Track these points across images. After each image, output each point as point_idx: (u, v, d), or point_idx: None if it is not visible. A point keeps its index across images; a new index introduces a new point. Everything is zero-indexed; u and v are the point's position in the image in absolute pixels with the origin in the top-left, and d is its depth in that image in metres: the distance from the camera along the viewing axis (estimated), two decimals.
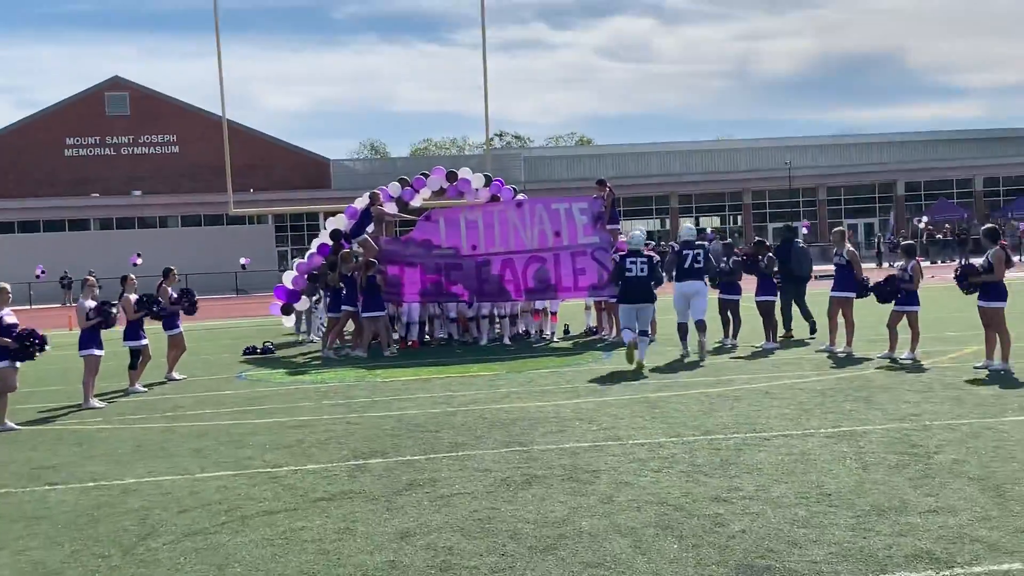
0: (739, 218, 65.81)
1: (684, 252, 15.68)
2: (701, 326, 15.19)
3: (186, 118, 64.51)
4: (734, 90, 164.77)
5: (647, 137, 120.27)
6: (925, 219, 55.18)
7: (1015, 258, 33.11)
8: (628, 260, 14.58)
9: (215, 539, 6.50)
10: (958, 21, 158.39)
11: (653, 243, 24.85)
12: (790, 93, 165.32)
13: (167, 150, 64.78)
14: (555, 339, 18.74)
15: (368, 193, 19.48)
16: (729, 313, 16.77)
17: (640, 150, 70.39)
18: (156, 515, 7.21)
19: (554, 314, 19.34)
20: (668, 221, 65.30)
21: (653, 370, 13.75)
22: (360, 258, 17.97)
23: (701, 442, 8.71)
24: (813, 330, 16.88)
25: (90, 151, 63.93)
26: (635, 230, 15.69)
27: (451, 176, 20.73)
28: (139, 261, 41.23)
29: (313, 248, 20.22)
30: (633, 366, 13.91)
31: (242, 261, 49.09)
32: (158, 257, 19.51)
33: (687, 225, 17.65)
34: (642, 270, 14.44)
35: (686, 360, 14.70)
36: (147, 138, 64.70)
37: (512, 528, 6.36)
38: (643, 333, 14.40)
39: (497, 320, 18.67)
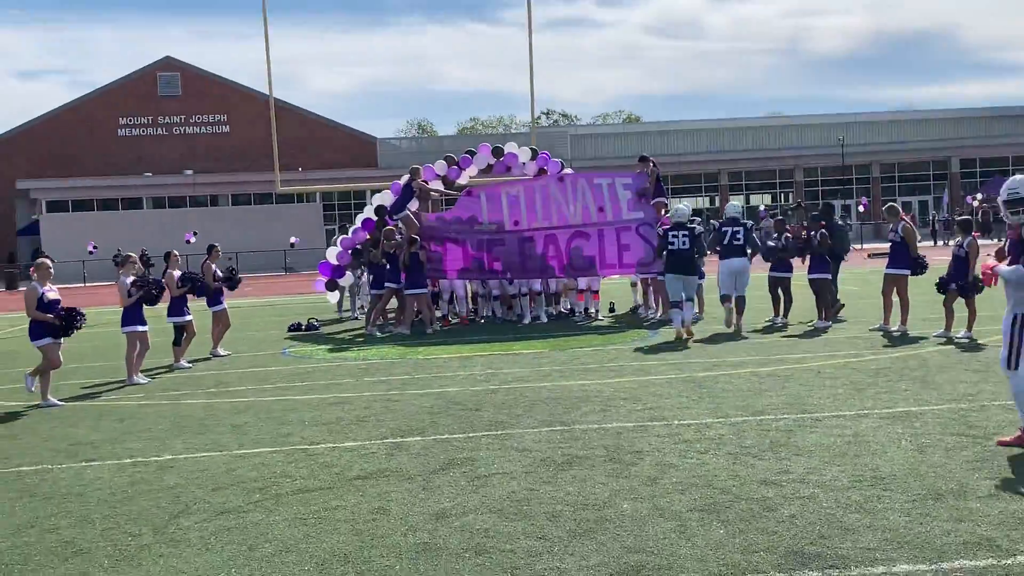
0: (791, 195, 64.85)
1: (724, 229, 15.82)
2: (741, 303, 15.44)
3: (236, 98, 64.83)
4: (784, 68, 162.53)
5: (696, 116, 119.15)
6: (980, 196, 53.97)
7: None
8: (671, 233, 15.12)
9: (248, 518, 6.36)
10: None
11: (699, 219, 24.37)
12: (841, 71, 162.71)
13: (218, 129, 65.16)
14: (599, 317, 18.46)
15: (410, 168, 19.27)
16: (780, 291, 16.38)
17: (688, 127, 69.56)
18: (190, 493, 7.09)
19: (596, 292, 19.03)
20: (718, 199, 64.52)
21: (700, 349, 13.46)
22: (403, 235, 17.80)
23: (750, 423, 8.43)
24: (837, 310, 16.46)
25: (143, 131, 64.48)
26: (679, 204, 15.76)
27: (497, 152, 20.48)
28: (193, 239, 41.53)
29: (357, 223, 20.09)
30: (681, 340, 14.33)
31: (292, 240, 49.32)
32: (209, 235, 19.57)
33: (732, 203, 17.45)
34: (684, 243, 14.95)
35: (734, 337, 14.41)
36: (198, 118, 65.11)
37: (551, 510, 6.14)
38: (688, 300, 14.95)
39: (536, 298, 18.39)
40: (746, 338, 14.42)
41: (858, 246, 46.96)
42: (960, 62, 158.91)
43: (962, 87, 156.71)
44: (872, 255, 38.74)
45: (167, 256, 14.50)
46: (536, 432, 8.47)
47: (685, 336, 14.51)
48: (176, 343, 14.35)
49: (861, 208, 56.72)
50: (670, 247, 15.07)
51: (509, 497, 6.48)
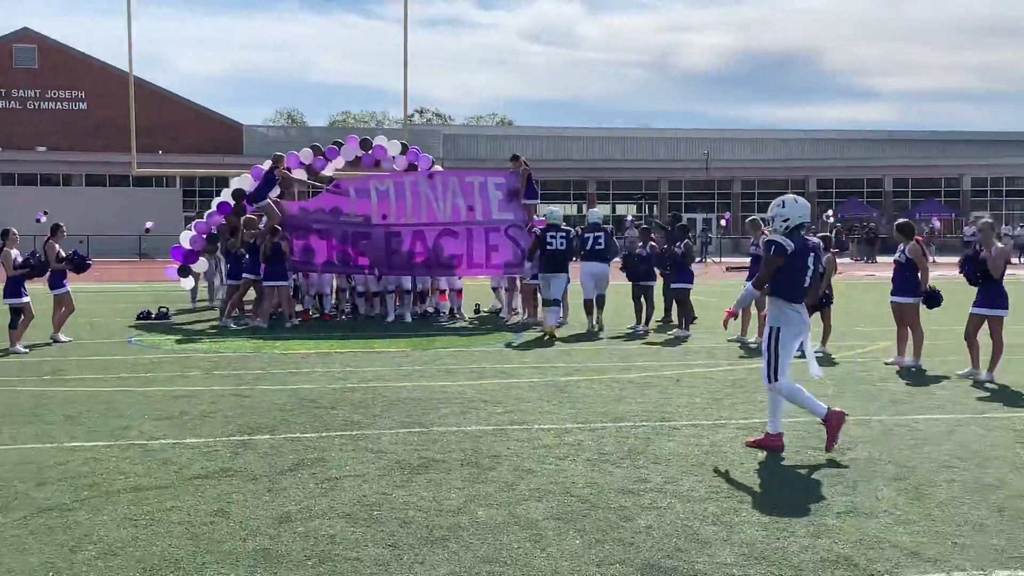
0: (655, 207, 65.94)
1: (586, 235, 16.59)
2: (601, 300, 16.53)
3: (96, 74, 62.15)
4: (655, 81, 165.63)
5: (567, 122, 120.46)
6: (830, 212, 55.97)
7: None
8: (548, 234, 15.92)
9: (73, 516, 5.88)
10: (873, 25, 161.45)
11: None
12: (709, 87, 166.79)
13: (75, 106, 62.37)
14: (463, 317, 18.23)
15: (272, 155, 18.64)
16: (643, 299, 16.51)
17: (560, 133, 70.05)
18: (12, 487, 6.55)
19: (459, 292, 18.82)
20: (585, 206, 65.10)
21: (563, 354, 13.36)
22: (264, 224, 17.22)
23: (609, 430, 8.31)
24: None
25: None
26: (554, 208, 16.38)
27: (365, 144, 20.03)
28: (44, 219, 39.53)
29: (213, 207, 19.35)
30: (547, 337, 14.96)
31: (147, 225, 47.47)
32: (60, 216, 18.56)
33: (594, 210, 18.05)
34: (561, 244, 15.86)
35: (596, 343, 14.39)
36: (54, 93, 62.21)
37: (403, 516, 5.86)
38: (555, 302, 15.78)
39: (404, 296, 18.06)
40: (600, 338, 14.77)
41: (718, 259, 48.06)
42: (821, 85, 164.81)
43: (822, 110, 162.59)
44: (730, 268, 39.62)
45: (5, 234, 13.60)
46: (392, 433, 8.16)
47: (553, 335, 15.05)
48: (12, 326, 13.50)
49: (723, 223, 57.97)
50: (547, 247, 15.80)
51: (359, 501, 6.17)
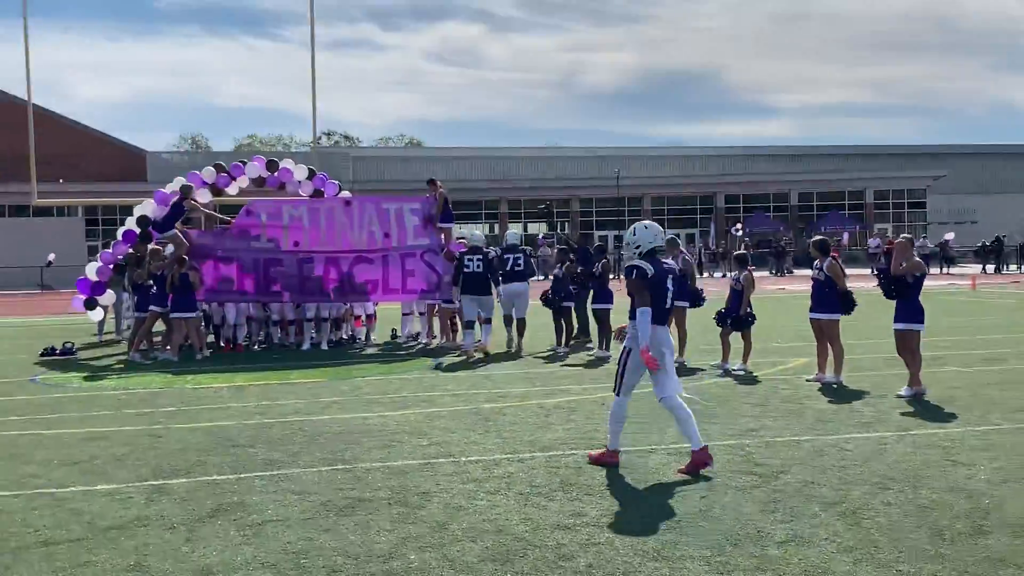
0: (566, 225, 66.27)
1: (506, 256, 16.53)
2: (521, 324, 16.48)
3: None
4: (561, 100, 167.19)
5: (475, 142, 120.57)
6: (739, 226, 56.90)
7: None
8: (467, 257, 16.15)
9: None
10: (771, 43, 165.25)
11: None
12: (614, 106, 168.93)
13: None
14: (374, 343, 17.94)
15: (180, 186, 18.13)
16: (562, 320, 16.46)
17: (469, 154, 70.13)
18: None
19: (371, 317, 18.56)
20: (497, 226, 65.14)
21: (484, 379, 13.17)
22: (170, 254, 16.72)
23: (539, 459, 8.14)
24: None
25: None
26: (475, 230, 16.54)
27: (271, 165, 19.65)
28: None
29: (119, 236, 18.75)
30: (478, 355, 15.43)
31: (48, 257, 46.10)
32: None
33: (512, 230, 18.11)
34: (478, 266, 16.07)
35: (518, 366, 14.24)
36: None
37: (330, 563, 5.60)
38: (487, 321, 16.24)
39: (321, 324, 17.69)
40: (520, 357, 14.99)
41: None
42: (723, 103, 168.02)
43: (724, 127, 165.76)
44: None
45: None
46: (315, 472, 7.87)
47: (478, 354, 15.50)
48: None
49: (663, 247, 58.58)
50: (465, 270, 16.04)
51: (284, 549, 5.89)
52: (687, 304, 14.53)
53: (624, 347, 7.91)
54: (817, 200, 68.00)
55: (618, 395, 7.92)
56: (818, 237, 13.11)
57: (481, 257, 16.09)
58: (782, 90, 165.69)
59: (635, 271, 7.74)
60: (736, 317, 13.38)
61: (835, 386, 11.84)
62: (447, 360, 15.28)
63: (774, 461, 7.87)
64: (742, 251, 14.65)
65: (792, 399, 10.94)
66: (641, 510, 6.54)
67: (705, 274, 51.14)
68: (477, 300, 16.03)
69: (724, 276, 47.09)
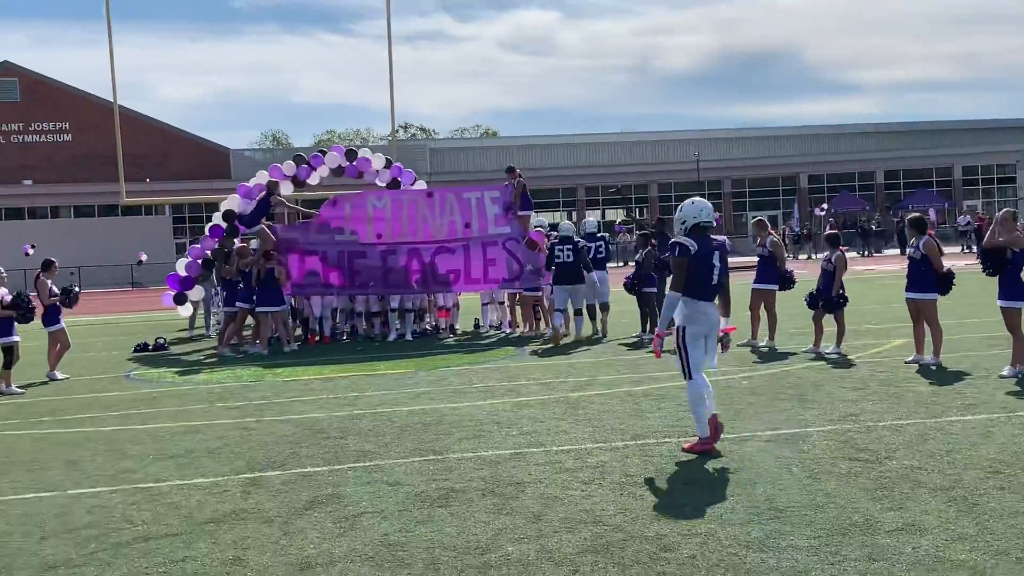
0: (645, 211, 65.72)
1: (587, 245, 16.70)
2: (605, 308, 16.70)
3: (79, 105, 61.76)
4: (636, 85, 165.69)
5: (550, 130, 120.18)
6: (824, 206, 55.83)
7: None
8: (557, 247, 16.15)
9: (80, 573, 5.56)
10: (851, 20, 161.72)
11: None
12: (691, 88, 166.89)
13: (59, 138, 61.99)
14: (456, 334, 17.91)
15: (267, 182, 18.32)
16: (647, 307, 16.22)
17: (546, 142, 69.83)
18: (15, 543, 6.21)
19: (447, 309, 18.51)
20: (575, 214, 64.87)
21: (569, 367, 13.05)
22: (256, 250, 16.89)
23: (632, 448, 7.99)
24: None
25: None
26: (564, 220, 16.73)
27: (350, 154, 19.79)
28: (32, 251, 39.08)
29: (206, 232, 19.04)
30: (559, 343, 15.49)
31: (140, 257, 47.02)
32: (49, 250, 18.26)
33: (589, 219, 18.03)
34: (569, 256, 16.00)
35: (597, 346, 14.15)
36: (38, 125, 61.80)
37: (429, 556, 5.54)
38: (578, 312, 16.38)
39: (405, 314, 17.71)
40: (601, 342, 15.30)
41: None
42: (803, 82, 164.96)
43: (805, 106, 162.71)
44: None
45: None
46: (407, 463, 7.84)
47: (566, 340, 15.82)
48: (6, 366, 13.14)
49: (714, 223, 57.84)
50: (557, 260, 16.06)
51: (382, 541, 5.85)
52: (776, 287, 14.25)
53: (677, 327, 7.85)
54: (904, 178, 66.48)
55: (689, 378, 7.80)
56: (914, 214, 12.69)
57: (572, 246, 16.03)
58: (863, 67, 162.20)
59: (677, 247, 7.72)
60: (829, 299, 13.04)
61: (934, 368, 11.46)
62: (530, 348, 15.20)
63: (877, 446, 7.61)
64: (833, 231, 14.25)
65: (891, 382, 10.61)
66: (741, 499, 6.36)
67: (790, 255, 50.38)
68: (569, 289, 16.00)
69: (808, 258, 46.27)
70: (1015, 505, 5.95)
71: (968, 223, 48.26)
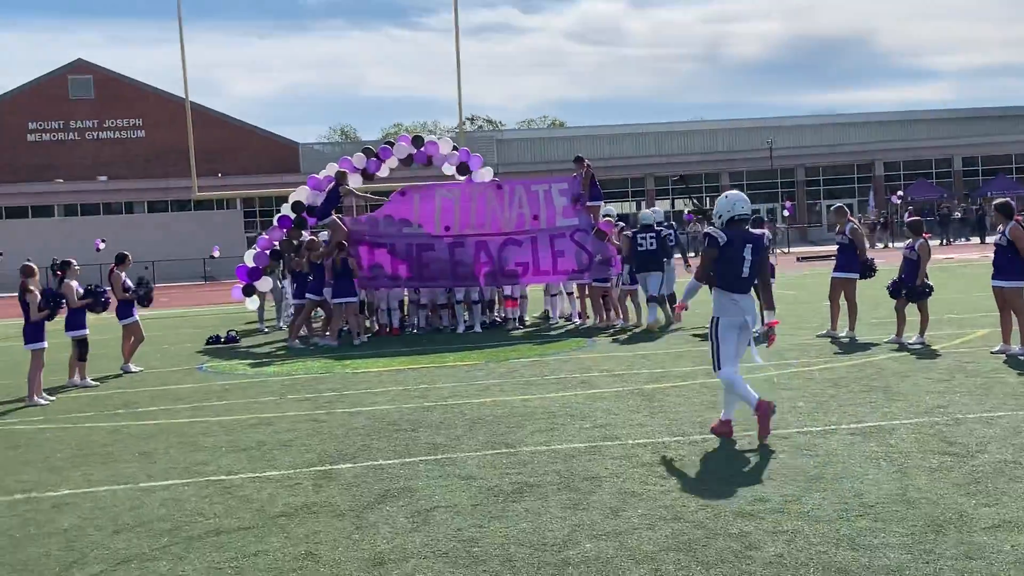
0: (709, 200, 64.96)
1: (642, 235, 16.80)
2: (672, 299, 16.67)
3: (151, 102, 62.73)
4: (704, 73, 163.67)
5: (619, 120, 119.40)
6: (900, 193, 54.65)
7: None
8: (639, 236, 16.47)
9: (153, 567, 5.49)
10: (924, 3, 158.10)
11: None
12: (760, 77, 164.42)
13: (133, 134, 63.00)
14: (525, 325, 17.74)
15: (336, 172, 18.29)
16: None
17: (614, 132, 69.28)
18: (88, 536, 6.18)
19: (522, 298, 18.33)
20: (644, 204, 64.33)
21: (642, 359, 12.81)
22: (327, 241, 16.89)
23: (710, 442, 7.76)
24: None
25: (53, 136, 62.03)
26: (647, 209, 16.91)
27: (417, 140, 19.71)
28: (102, 246, 39.77)
29: (275, 222, 19.09)
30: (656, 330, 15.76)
31: (214, 252, 47.65)
32: (124, 244, 18.54)
33: (644, 211, 17.96)
34: (651, 244, 16.32)
35: (674, 340, 13.88)
36: (112, 122, 62.82)
37: (505, 552, 5.38)
38: (652, 299, 16.20)
39: (472, 306, 17.59)
40: (670, 331, 15.33)
41: (786, 249, 47.01)
42: (875, 68, 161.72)
43: (877, 93, 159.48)
44: (801, 258, 38.74)
45: (64, 265, 13.23)
46: (479, 456, 7.69)
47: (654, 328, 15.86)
48: (81, 358, 13.27)
49: (786, 212, 56.85)
50: (639, 248, 16.36)
51: (456, 536, 5.70)
52: (857, 275, 13.85)
53: (711, 318, 8.03)
54: (982, 164, 64.79)
55: (718, 368, 7.91)
56: (1000, 200, 12.22)
57: (654, 235, 16.35)
58: (937, 52, 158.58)
59: (707, 238, 7.94)
60: (912, 287, 12.62)
61: (1022, 358, 11.02)
62: (600, 339, 14.99)
63: (968, 440, 7.28)
64: (915, 218, 13.79)
65: (978, 373, 10.21)
66: (828, 495, 6.09)
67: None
68: (651, 276, 16.23)
69: (885, 247, 45.33)
70: None
71: None
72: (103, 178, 60.61)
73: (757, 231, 8.13)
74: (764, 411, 7.62)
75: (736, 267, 7.74)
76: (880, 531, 5.34)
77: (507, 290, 18.15)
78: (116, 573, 5.45)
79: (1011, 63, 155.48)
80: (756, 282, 7.98)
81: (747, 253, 7.73)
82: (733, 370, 7.84)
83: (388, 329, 17.56)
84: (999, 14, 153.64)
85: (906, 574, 4.70)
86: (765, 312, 8.04)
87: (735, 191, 8.13)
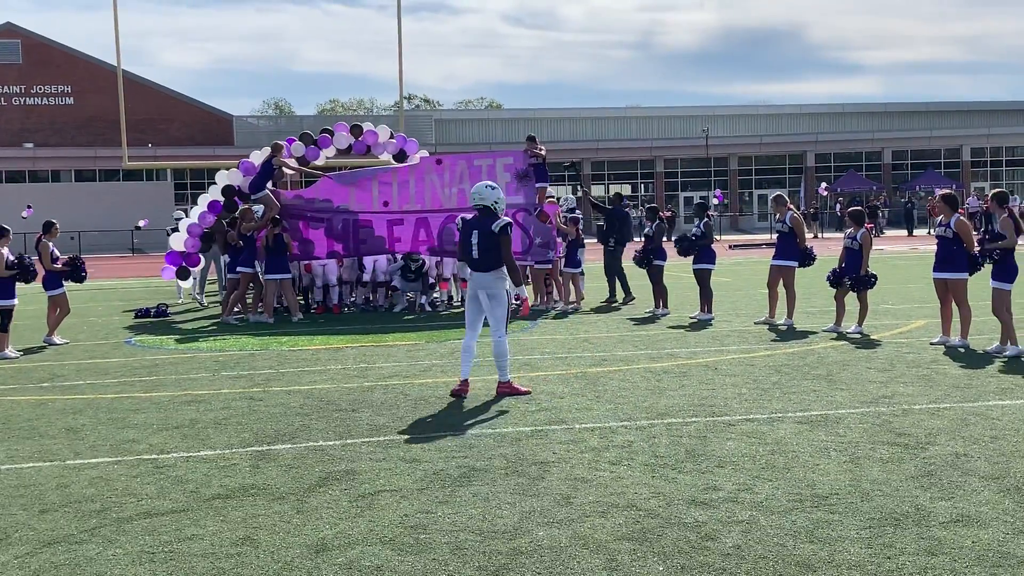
0: (651, 186, 65.18)
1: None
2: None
3: (81, 68, 61.04)
4: (639, 61, 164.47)
5: (552, 104, 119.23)
6: (824, 185, 55.41)
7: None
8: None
9: (81, 551, 5.20)
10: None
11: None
12: (694, 66, 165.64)
13: (61, 101, 61.30)
14: (459, 305, 17.53)
15: (271, 144, 17.81)
16: (657, 281, 15.85)
17: (551, 115, 69.14)
18: (12, 516, 5.86)
19: (464, 280, 18.10)
20: (579, 187, 64.35)
21: (585, 342, 12.69)
22: (262, 215, 16.49)
23: (658, 427, 7.64)
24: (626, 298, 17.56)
25: None
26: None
27: (356, 130, 19.22)
28: (29, 214, 38.60)
29: (203, 206, 18.46)
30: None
31: (140, 223, 46.52)
32: (50, 212, 17.87)
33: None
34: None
35: (614, 323, 13.74)
36: (40, 88, 61.07)
37: (453, 540, 5.18)
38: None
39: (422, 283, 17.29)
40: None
41: (717, 237, 47.26)
42: (806, 61, 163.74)
43: (808, 85, 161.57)
44: (733, 246, 39.01)
45: (1, 232, 12.73)
46: (424, 438, 7.48)
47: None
48: (2, 329, 12.77)
49: (715, 200, 57.24)
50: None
51: (402, 522, 5.49)
52: (796, 264, 13.88)
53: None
54: (911, 158, 65.90)
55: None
56: (945, 191, 12.29)
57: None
58: (867, 47, 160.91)
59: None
60: (857, 277, 12.66)
61: (962, 350, 11.10)
62: (539, 321, 14.84)
63: (917, 431, 7.26)
64: (858, 208, 13.83)
65: (919, 363, 10.26)
66: (780, 484, 6.00)
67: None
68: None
69: (815, 236, 45.82)
70: None
71: (977, 205, 47.78)
72: (29, 145, 58.91)
73: (505, 219, 9.10)
74: (461, 390, 9.08)
75: (466, 247, 9.11)
76: (838, 524, 5.25)
77: (445, 271, 17.91)
78: (42, 555, 5.15)
79: (938, 60, 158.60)
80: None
81: (474, 238, 8.97)
82: (469, 336, 9.23)
83: (325, 307, 17.21)
84: (927, 11, 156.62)
85: (868, 569, 4.60)
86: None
87: (480, 183, 9.42)
